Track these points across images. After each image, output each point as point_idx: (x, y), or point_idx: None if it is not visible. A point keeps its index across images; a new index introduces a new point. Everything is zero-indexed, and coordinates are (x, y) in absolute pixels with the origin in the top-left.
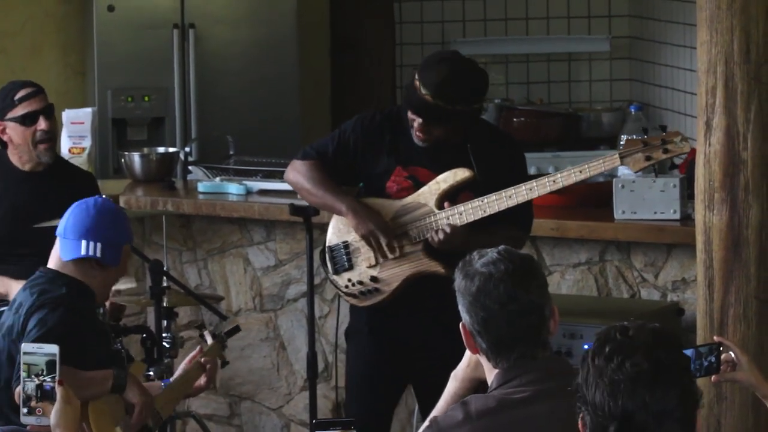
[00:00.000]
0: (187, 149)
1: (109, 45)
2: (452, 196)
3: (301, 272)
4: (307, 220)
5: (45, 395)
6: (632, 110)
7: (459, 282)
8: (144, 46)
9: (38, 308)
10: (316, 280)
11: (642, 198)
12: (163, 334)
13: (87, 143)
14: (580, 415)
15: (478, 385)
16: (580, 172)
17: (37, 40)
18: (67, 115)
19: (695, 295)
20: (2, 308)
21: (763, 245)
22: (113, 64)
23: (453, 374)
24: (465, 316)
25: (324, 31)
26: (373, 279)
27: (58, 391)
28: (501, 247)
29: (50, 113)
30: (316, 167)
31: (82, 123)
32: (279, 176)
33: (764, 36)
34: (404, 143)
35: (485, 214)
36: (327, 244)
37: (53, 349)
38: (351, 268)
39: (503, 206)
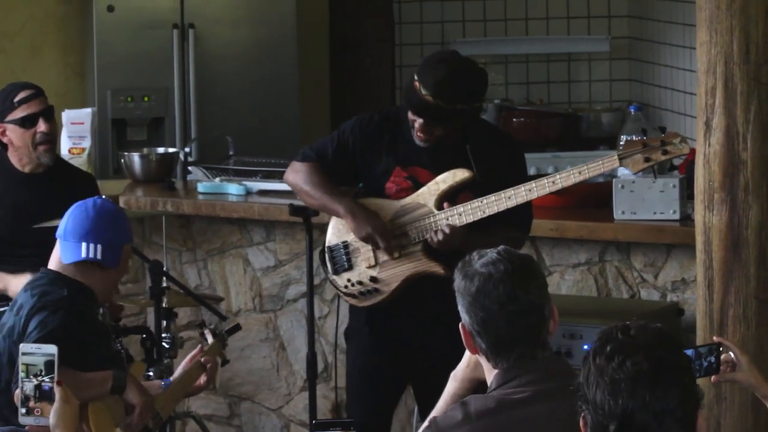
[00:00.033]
0: (187, 149)
1: (108, 45)
2: (451, 197)
3: (300, 273)
4: (307, 221)
5: (43, 395)
6: (632, 110)
7: (458, 282)
8: (144, 47)
9: (39, 310)
10: (316, 281)
11: (642, 198)
12: (163, 335)
13: (87, 144)
14: (582, 414)
15: (477, 386)
16: (579, 173)
17: (37, 40)
18: (66, 116)
19: (695, 296)
20: (2, 309)
21: (762, 245)
22: (113, 64)
23: (452, 374)
24: (464, 317)
25: (324, 31)
26: (373, 279)
27: (57, 391)
28: (500, 247)
29: (50, 115)
30: (315, 169)
31: (82, 123)
32: (279, 176)
33: (764, 36)
34: (403, 143)
35: (484, 215)
36: (326, 245)
37: (52, 349)
38: (350, 268)
39: (502, 207)
